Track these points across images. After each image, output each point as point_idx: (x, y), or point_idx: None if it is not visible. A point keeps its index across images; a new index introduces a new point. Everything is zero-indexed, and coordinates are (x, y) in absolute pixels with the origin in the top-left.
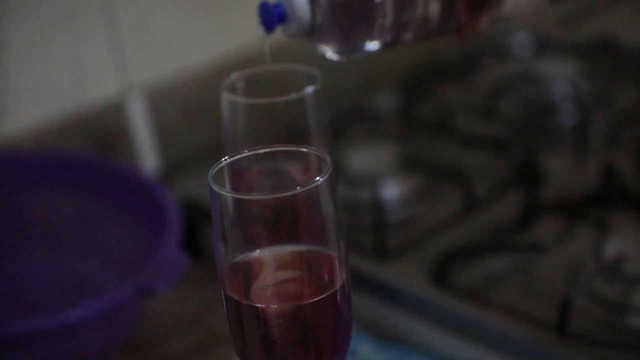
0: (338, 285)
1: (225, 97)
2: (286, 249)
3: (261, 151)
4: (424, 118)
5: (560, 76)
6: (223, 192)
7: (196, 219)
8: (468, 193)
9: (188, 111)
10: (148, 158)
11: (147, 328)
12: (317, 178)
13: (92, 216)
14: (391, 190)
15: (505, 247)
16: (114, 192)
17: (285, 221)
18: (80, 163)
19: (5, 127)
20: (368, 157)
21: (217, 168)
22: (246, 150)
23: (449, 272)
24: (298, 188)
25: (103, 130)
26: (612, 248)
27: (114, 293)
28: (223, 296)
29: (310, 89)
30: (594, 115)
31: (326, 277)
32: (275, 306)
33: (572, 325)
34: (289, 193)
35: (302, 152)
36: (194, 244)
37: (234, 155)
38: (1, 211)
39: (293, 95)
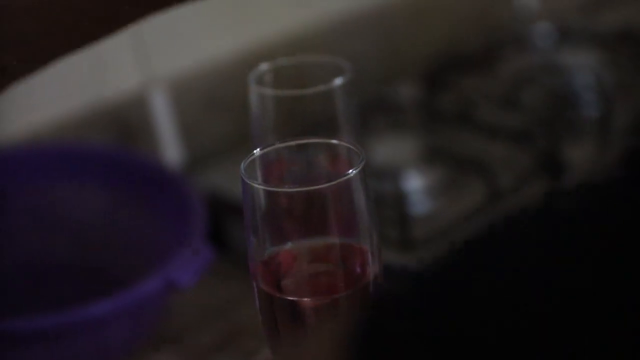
0: (371, 277)
1: (254, 89)
2: (318, 242)
3: (293, 143)
4: (446, 109)
5: (582, 67)
6: (255, 185)
7: (221, 211)
8: (491, 184)
9: (211, 103)
10: (171, 151)
11: (173, 321)
12: (351, 170)
13: (116, 209)
14: (414, 182)
15: None
16: (138, 186)
17: (317, 214)
18: (104, 156)
19: (28, 121)
20: (390, 149)
21: (249, 160)
22: (277, 143)
23: None
24: (331, 180)
25: (126, 123)
26: None
27: (141, 287)
28: (255, 289)
29: (339, 81)
30: (617, 106)
31: (358, 269)
32: (308, 299)
33: None
34: (323, 186)
35: (333, 144)
36: (218, 236)
37: (265, 148)
38: (25, 205)
39: (322, 87)
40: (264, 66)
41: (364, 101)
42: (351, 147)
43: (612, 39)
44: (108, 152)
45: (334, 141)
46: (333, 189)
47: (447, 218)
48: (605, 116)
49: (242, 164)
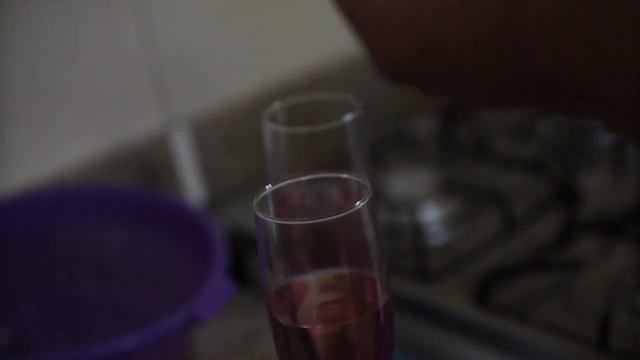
0: (380, 306)
1: (268, 126)
2: (329, 272)
3: (303, 179)
4: (462, 141)
5: None
6: (268, 219)
7: (242, 247)
8: (507, 214)
9: (232, 142)
10: (193, 189)
11: (196, 355)
12: (357, 203)
13: (141, 247)
14: (431, 214)
15: (545, 265)
16: (161, 224)
17: (328, 245)
18: (128, 196)
19: (53, 163)
20: (408, 182)
21: (261, 196)
22: (289, 178)
23: (490, 291)
24: (339, 213)
25: (148, 163)
26: None
27: (164, 321)
28: (270, 320)
29: (349, 117)
30: None
31: (369, 298)
32: (320, 327)
33: (613, 341)
34: (330, 218)
35: (343, 178)
36: (240, 271)
37: (277, 183)
38: (55, 245)
39: (333, 124)
40: (277, 104)
41: (382, 135)
42: (359, 180)
43: None
44: (131, 193)
45: (344, 175)
46: (341, 220)
47: (464, 249)
48: (619, 144)
49: (255, 199)
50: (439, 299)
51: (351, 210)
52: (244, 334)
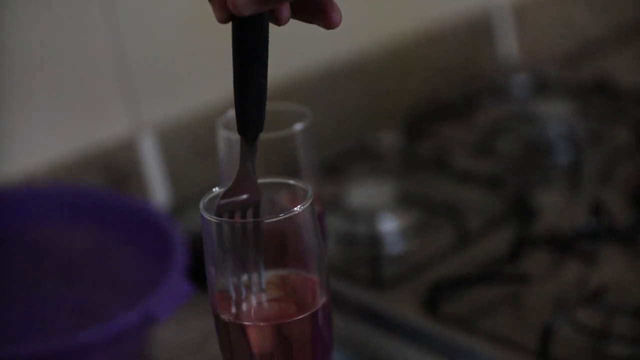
0: (319, 306)
1: (221, 133)
2: (271, 272)
3: None
4: (423, 156)
5: (556, 116)
6: (212, 219)
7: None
8: (462, 227)
9: (198, 148)
10: (159, 193)
11: (153, 353)
12: (297, 207)
13: (104, 248)
14: (389, 225)
15: (495, 277)
16: (124, 225)
17: (271, 246)
18: (91, 197)
19: (21, 164)
20: (368, 193)
21: (208, 197)
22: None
23: (440, 301)
24: (279, 215)
25: (115, 166)
26: (597, 279)
27: (119, 318)
28: (213, 316)
29: (298, 126)
30: (587, 154)
31: (308, 299)
32: (260, 324)
33: (554, 352)
34: (270, 219)
35: (289, 184)
36: (201, 275)
37: (225, 187)
38: (17, 243)
39: (283, 132)
40: (231, 112)
41: (346, 147)
42: (302, 186)
43: (586, 91)
44: (97, 194)
45: (290, 181)
46: (282, 223)
47: (418, 259)
48: (575, 163)
49: (202, 200)
50: (391, 306)
51: (290, 214)
52: (201, 334)
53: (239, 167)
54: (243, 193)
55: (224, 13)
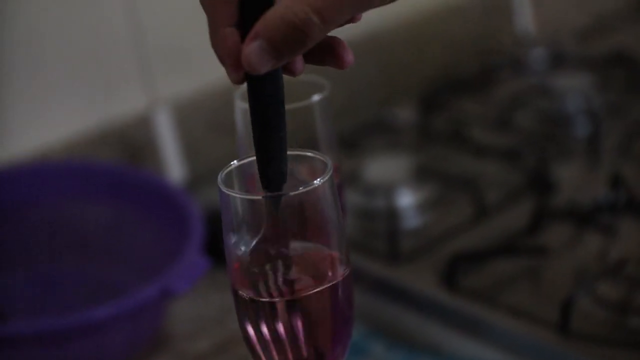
0: (339, 280)
1: (239, 105)
2: (291, 247)
3: None
4: (440, 130)
5: (574, 89)
6: (231, 193)
7: (220, 225)
8: (479, 201)
9: (214, 123)
10: (174, 169)
11: (171, 328)
12: (317, 180)
13: (120, 223)
14: (406, 199)
15: (514, 251)
16: (141, 201)
17: (289, 221)
18: (109, 172)
19: (37, 140)
20: (385, 167)
21: (226, 171)
22: (254, 155)
23: (458, 275)
24: (298, 189)
25: (131, 141)
26: (617, 252)
27: (138, 293)
28: (232, 292)
29: (316, 97)
30: (606, 127)
31: (328, 273)
32: (280, 299)
33: (575, 325)
34: (289, 193)
35: (307, 156)
36: (217, 249)
37: (243, 159)
38: (35, 218)
39: (301, 103)
40: None
41: (362, 122)
42: (321, 158)
43: (604, 63)
44: (113, 170)
45: (308, 153)
46: (301, 197)
47: (436, 233)
48: (594, 136)
49: (220, 174)
50: (409, 280)
51: (310, 187)
52: (218, 309)
53: (266, 225)
54: (282, 251)
55: (239, 73)
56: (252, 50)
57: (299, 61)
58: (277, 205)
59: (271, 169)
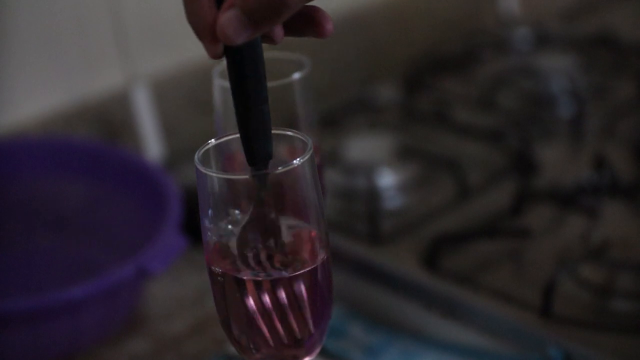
0: (318, 261)
1: (217, 82)
2: (269, 226)
3: None
4: (423, 110)
5: (559, 70)
6: (208, 172)
7: (197, 205)
8: (462, 181)
9: (192, 101)
10: (152, 146)
11: (147, 308)
12: (297, 159)
13: (97, 201)
14: (387, 179)
15: (496, 232)
16: (118, 178)
17: (269, 200)
18: (87, 150)
19: (14, 115)
20: (366, 147)
21: (203, 150)
22: (232, 133)
23: (440, 256)
24: (279, 168)
25: (109, 118)
26: (600, 234)
27: (113, 272)
28: (208, 271)
29: (296, 75)
30: (590, 108)
31: (307, 253)
32: (257, 279)
33: (557, 308)
34: (269, 172)
35: (287, 135)
36: (196, 228)
37: (220, 138)
38: (10, 195)
39: (281, 81)
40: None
41: (344, 100)
42: (301, 137)
43: (589, 44)
44: (90, 147)
45: (288, 132)
46: (280, 176)
47: (417, 214)
48: (578, 117)
49: (197, 152)
50: (389, 262)
51: (289, 167)
52: (195, 290)
53: (254, 205)
54: (261, 231)
55: (216, 47)
56: (227, 20)
57: (278, 29)
58: (263, 183)
59: (255, 144)
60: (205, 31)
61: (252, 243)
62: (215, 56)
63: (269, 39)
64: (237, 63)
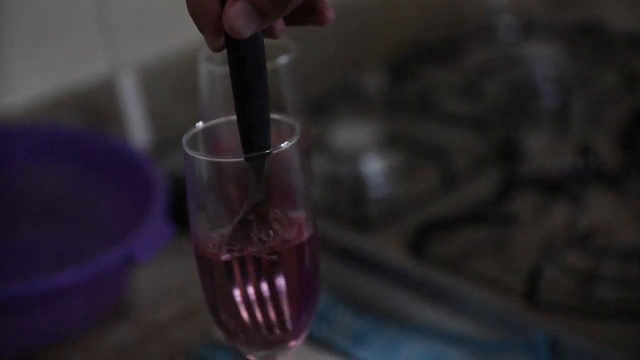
0: (306, 244)
1: (204, 67)
2: (257, 211)
3: (234, 118)
4: (409, 98)
5: (544, 58)
6: (196, 156)
7: (184, 193)
8: (448, 169)
9: (179, 89)
10: (139, 134)
11: (134, 296)
12: (285, 143)
13: (83, 189)
14: (373, 166)
15: (482, 220)
16: (104, 166)
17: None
18: (73, 137)
19: (0, 103)
20: (352, 134)
21: (191, 133)
22: (222, 118)
23: (426, 243)
24: (266, 152)
25: (95, 106)
26: (585, 221)
27: (99, 260)
28: (195, 255)
29: (283, 60)
30: (576, 97)
31: (294, 236)
32: (244, 263)
33: (543, 295)
34: (261, 155)
35: (275, 120)
36: (182, 217)
37: (209, 123)
38: None
39: (267, 65)
40: None
41: (330, 88)
42: (289, 122)
43: (574, 33)
44: (76, 134)
45: (275, 117)
46: (268, 160)
47: (403, 201)
48: (563, 106)
49: (185, 137)
50: (376, 249)
51: (278, 150)
52: (182, 278)
53: (249, 196)
54: (250, 216)
55: (219, 40)
56: (236, 13)
57: (280, 23)
58: (261, 169)
59: (253, 137)
60: (210, 24)
61: (240, 228)
62: (217, 49)
63: (270, 33)
64: (240, 56)
